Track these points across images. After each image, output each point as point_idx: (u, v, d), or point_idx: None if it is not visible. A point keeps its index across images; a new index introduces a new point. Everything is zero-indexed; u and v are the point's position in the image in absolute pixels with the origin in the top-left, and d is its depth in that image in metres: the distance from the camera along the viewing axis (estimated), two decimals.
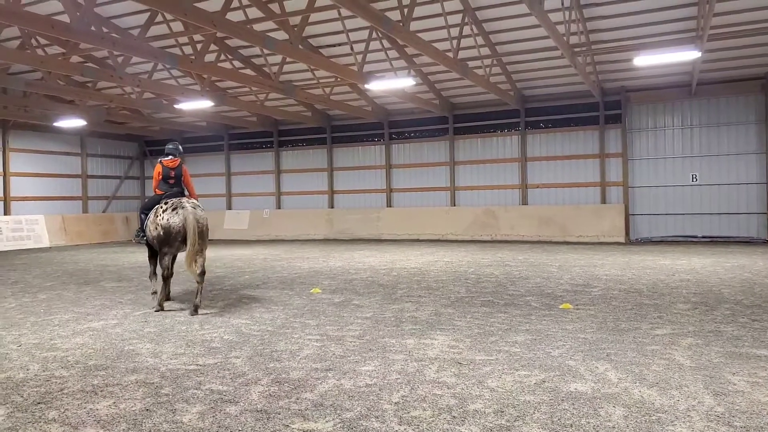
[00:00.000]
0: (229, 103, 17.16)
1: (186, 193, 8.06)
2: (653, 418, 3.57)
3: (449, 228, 19.48)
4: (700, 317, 6.40)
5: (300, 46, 12.87)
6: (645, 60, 12.80)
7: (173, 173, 7.88)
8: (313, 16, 13.63)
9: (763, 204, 16.32)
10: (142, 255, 15.37)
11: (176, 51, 15.09)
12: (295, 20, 13.00)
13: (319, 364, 4.90)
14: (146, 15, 12.93)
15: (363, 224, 20.79)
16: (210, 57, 15.45)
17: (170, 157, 7.95)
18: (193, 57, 13.16)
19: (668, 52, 12.42)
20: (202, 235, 7.15)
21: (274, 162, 23.06)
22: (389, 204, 21.07)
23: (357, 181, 21.73)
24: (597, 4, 13.19)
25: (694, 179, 17.07)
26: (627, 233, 17.48)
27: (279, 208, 22.90)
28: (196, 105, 16.29)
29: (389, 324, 6.38)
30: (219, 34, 13.42)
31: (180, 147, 8.15)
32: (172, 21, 13.82)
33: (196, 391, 4.27)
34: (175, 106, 16.94)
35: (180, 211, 7.15)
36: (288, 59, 14.00)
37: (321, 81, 17.01)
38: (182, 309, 7.51)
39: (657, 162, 17.51)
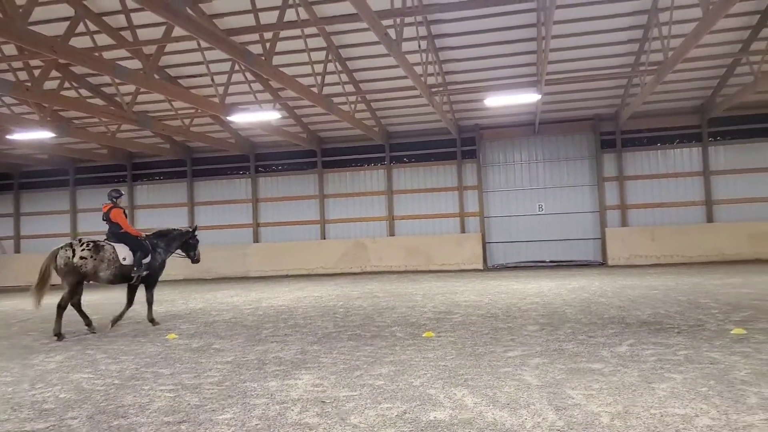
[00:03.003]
0: (75, 134, 15.70)
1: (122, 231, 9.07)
2: None
3: (320, 262, 19.39)
4: (547, 337, 6.94)
5: (156, 76, 12.24)
6: (494, 101, 14.03)
7: (104, 217, 9.11)
8: (171, 46, 13.08)
9: (597, 230, 18.41)
10: None
11: (9, 76, 13.57)
12: (150, 49, 12.38)
13: (172, 416, 4.50)
14: None
15: (228, 262, 19.93)
16: (51, 84, 14.11)
17: (106, 202, 9.27)
18: (30, 84, 11.91)
19: (513, 94, 13.79)
20: (60, 271, 8.31)
21: (127, 197, 21.42)
22: (257, 239, 20.49)
23: (221, 216, 20.88)
24: (451, 48, 14.25)
25: (541, 209, 18.81)
26: (485, 260, 18.67)
27: None
28: (33, 136, 14.67)
29: (251, 367, 6.09)
30: (62, 60, 12.31)
31: (118, 191, 9.33)
32: (4, 44, 12.44)
33: None
34: (8, 137, 15.08)
35: (53, 249, 8.37)
36: (143, 89, 13.22)
37: (180, 112, 16.27)
38: (8, 366, 6.55)
39: (509, 193, 19.05)
